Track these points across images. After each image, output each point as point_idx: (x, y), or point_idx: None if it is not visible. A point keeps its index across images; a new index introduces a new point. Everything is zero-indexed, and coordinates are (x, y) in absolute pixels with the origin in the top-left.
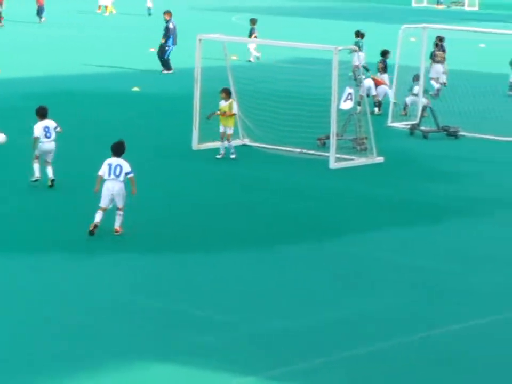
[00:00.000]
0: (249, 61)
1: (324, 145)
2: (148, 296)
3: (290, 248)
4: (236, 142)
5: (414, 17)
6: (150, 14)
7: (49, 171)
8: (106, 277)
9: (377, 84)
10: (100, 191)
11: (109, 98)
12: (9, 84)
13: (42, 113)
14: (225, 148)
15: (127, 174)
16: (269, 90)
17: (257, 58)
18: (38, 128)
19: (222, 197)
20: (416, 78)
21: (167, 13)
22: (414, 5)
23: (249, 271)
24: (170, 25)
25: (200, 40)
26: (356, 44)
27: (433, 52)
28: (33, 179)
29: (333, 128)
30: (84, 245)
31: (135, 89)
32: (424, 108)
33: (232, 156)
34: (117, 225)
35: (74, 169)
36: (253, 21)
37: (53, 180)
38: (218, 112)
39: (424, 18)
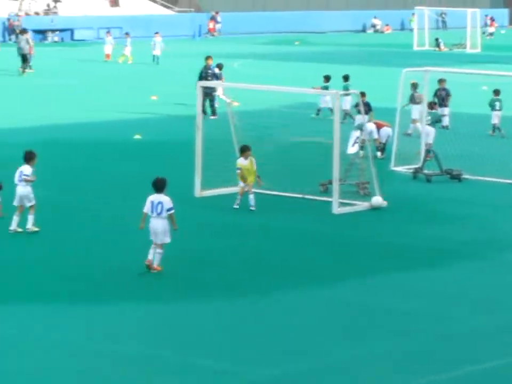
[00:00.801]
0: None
1: (327, 191)
2: (139, 345)
3: (289, 295)
4: (235, 189)
5: (416, 61)
6: (155, 62)
7: (29, 220)
8: (84, 326)
9: (378, 127)
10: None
11: (110, 147)
12: (11, 134)
13: (25, 157)
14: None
15: (168, 210)
16: (269, 136)
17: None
18: (17, 172)
19: (223, 244)
20: (429, 107)
21: (210, 57)
22: (415, 48)
23: (248, 318)
24: (217, 70)
25: (200, 87)
26: (345, 88)
27: (412, 94)
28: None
29: (335, 173)
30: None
31: (137, 137)
32: (427, 151)
33: (252, 208)
34: (156, 263)
35: (71, 219)
36: (219, 66)
37: (28, 231)
38: (239, 171)
39: (426, 61)
